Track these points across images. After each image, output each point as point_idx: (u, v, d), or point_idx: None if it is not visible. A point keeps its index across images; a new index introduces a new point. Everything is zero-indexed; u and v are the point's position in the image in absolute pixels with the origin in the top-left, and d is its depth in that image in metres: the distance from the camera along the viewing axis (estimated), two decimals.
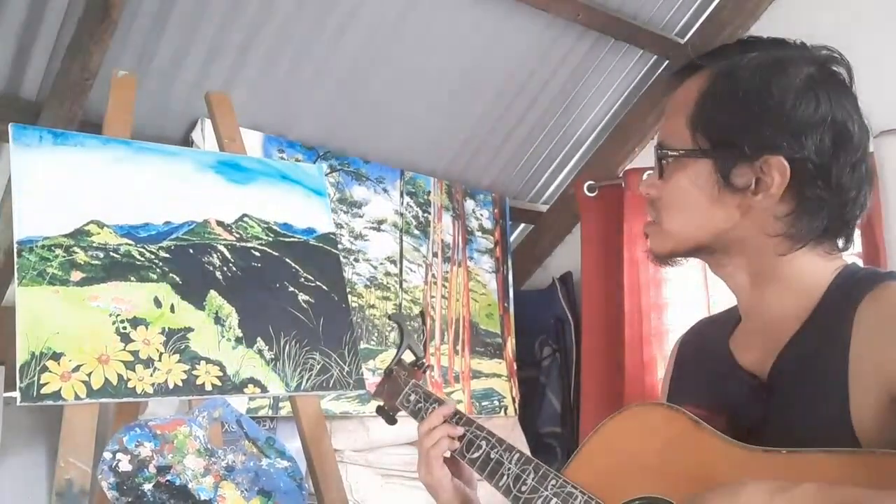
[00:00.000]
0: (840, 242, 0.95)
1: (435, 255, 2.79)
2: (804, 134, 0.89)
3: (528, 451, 1.05)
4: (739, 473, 0.80)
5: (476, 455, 1.07)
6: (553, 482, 0.98)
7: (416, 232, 2.74)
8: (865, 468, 0.77)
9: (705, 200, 0.94)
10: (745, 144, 0.91)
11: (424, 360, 1.27)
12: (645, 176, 1.02)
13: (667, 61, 2.85)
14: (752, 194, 0.91)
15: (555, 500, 0.96)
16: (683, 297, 2.71)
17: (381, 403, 1.28)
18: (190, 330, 1.43)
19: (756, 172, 0.91)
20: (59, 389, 1.27)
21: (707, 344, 1.08)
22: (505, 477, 1.02)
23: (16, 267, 1.32)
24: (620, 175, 2.89)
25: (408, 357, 1.29)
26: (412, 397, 1.21)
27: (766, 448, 0.84)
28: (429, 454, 1.11)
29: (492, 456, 1.06)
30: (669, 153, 0.96)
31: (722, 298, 1.04)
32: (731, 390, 0.97)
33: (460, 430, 1.11)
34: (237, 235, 1.59)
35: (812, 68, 0.92)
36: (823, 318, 0.91)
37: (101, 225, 1.44)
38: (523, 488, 0.99)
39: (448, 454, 1.12)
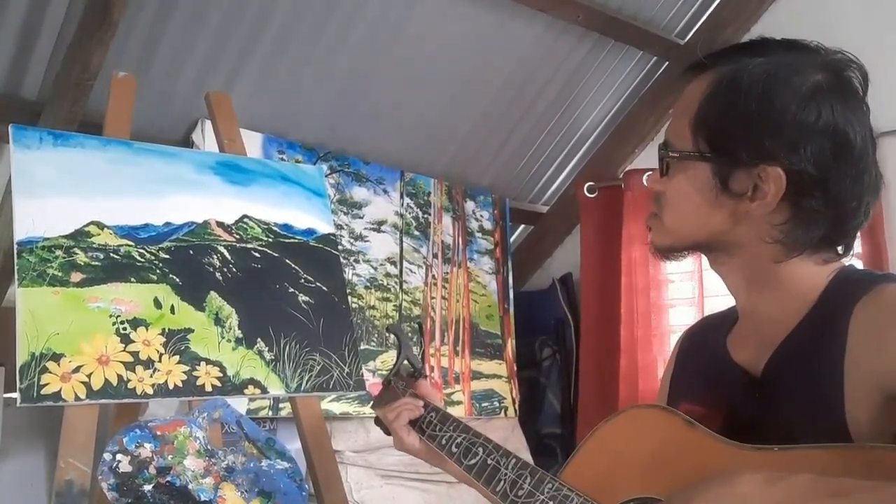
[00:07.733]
0: (840, 249, 0.95)
1: (435, 256, 2.78)
2: (803, 144, 0.88)
3: (528, 453, 1.06)
4: (732, 470, 0.80)
5: (473, 461, 1.08)
6: (549, 486, 0.98)
7: (417, 233, 2.74)
8: (856, 462, 0.78)
9: (703, 202, 0.95)
10: (743, 152, 0.91)
11: (422, 370, 1.28)
12: (647, 174, 1.03)
13: (667, 62, 2.85)
14: (748, 201, 0.92)
15: (551, 503, 0.96)
16: (683, 298, 2.70)
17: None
18: (190, 331, 1.43)
19: (754, 179, 0.91)
20: (59, 390, 1.27)
21: (706, 342, 1.09)
22: (502, 482, 1.02)
23: (16, 268, 1.32)
24: (620, 176, 2.88)
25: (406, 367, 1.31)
26: None
27: (758, 446, 0.85)
28: (394, 426, 1.22)
29: (488, 462, 1.06)
30: (670, 153, 0.97)
31: (718, 300, 1.05)
32: (727, 388, 0.98)
33: (419, 402, 1.20)
34: (237, 236, 1.59)
35: (820, 75, 0.91)
36: (820, 318, 0.91)
37: (101, 226, 1.44)
38: (520, 493, 1.00)
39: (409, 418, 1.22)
